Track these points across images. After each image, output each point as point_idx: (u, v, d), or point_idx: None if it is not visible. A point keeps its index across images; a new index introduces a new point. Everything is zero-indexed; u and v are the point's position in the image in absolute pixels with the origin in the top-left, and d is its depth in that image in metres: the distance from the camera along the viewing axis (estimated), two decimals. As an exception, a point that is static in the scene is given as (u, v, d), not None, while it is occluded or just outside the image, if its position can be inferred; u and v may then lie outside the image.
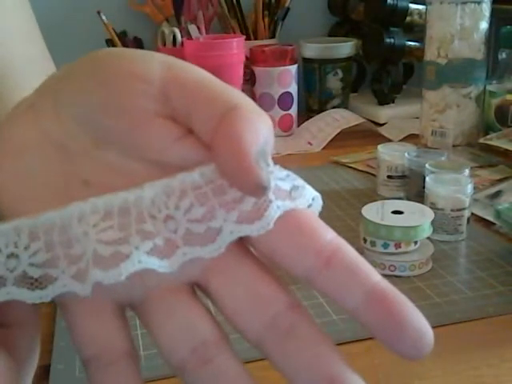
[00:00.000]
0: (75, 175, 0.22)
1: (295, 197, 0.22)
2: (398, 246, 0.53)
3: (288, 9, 1.06)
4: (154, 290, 0.22)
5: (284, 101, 0.96)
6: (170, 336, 0.22)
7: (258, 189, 0.20)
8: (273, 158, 0.22)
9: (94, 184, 0.22)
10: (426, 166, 0.63)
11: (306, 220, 0.22)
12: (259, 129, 0.21)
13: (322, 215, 0.23)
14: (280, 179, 0.22)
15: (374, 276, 0.21)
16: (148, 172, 0.22)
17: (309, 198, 0.23)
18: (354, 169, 0.81)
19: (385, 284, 0.20)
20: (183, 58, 0.92)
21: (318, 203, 0.23)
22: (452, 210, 0.59)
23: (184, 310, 0.22)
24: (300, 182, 0.23)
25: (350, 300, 0.20)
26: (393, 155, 0.70)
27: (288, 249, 0.21)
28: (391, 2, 0.95)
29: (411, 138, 0.91)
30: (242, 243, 0.22)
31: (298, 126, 0.99)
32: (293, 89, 0.96)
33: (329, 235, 0.22)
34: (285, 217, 0.21)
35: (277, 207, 0.21)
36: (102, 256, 0.21)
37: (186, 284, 0.23)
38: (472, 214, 0.62)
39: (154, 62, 0.22)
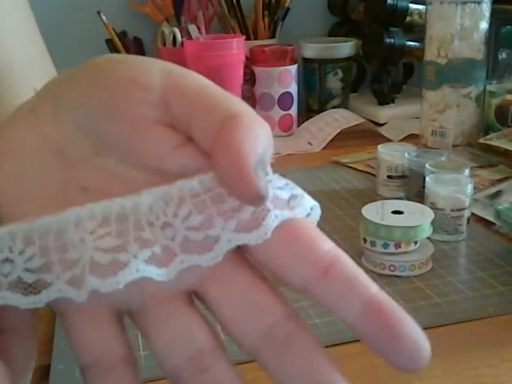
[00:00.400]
0: (74, 181, 0.22)
1: (293, 206, 0.22)
2: (398, 246, 0.53)
3: (288, 9, 1.06)
4: (151, 297, 0.22)
5: (284, 101, 0.96)
6: (166, 344, 0.22)
7: (256, 198, 0.20)
8: (272, 162, 0.22)
9: (93, 190, 0.22)
10: (426, 166, 0.63)
11: (304, 230, 0.22)
12: (258, 138, 0.21)
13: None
14: (279, 188, 0.22)
15: (372, 288, 0.21)
16: (147, 179, 0.22)
17: (307, 208, 0.22)
18: (354, 169, 0.81)
19: (382, 296, 0.20)
20: (183, 58, 0.92)
21: (317, 212, 0.23)
22: (452, 210, 0.59)
23: (181, 319, 0.22)
24: (299, 191, 0.23)
25: (347, 311, 0.20)
26: (393, 155, 0.70)
27: (285, 258, 0.21)
28: (391, 2, 0.95)
29: (411, 137, 0.91)
30: (240, 252, 0.22)
31: (298, 126, 0.99)
32: (293, 89, 0.96)
33: (327, 245, 0.21)
34: (283, 226, 0.21)
35: (275, 216, 0.21)
36: (99, 264, 0.21)
37: (183, 292, 0.23)
38: (472, 213, 0.62)
39: (155, 69, 0.22)
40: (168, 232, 0.22)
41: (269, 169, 0.21)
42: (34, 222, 0.21)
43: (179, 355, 0.22)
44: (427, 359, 0.20)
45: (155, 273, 0.21)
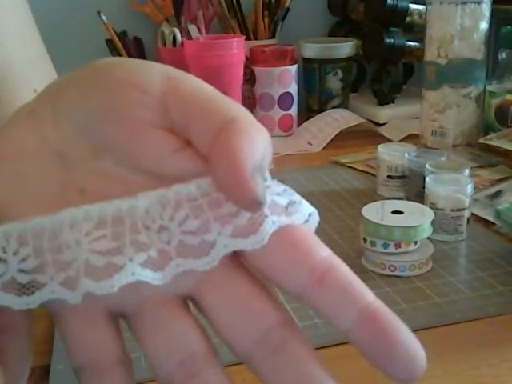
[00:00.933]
0: (72, 183, 0.22)
1: (291, 212, 0.22)
2: (398, 245, 0.53)
3: (288, 9, 1.06)
4: (146, 300, 0.22)
5: (284, 101, 0.96)
6: (160, 347, 0.22)
7: (254, 204, 0.20)
8: (271, 168, 0.22)
9: (91, 192, 0.22)
10: (426, 166, 0.63)
11: (301, 236, 0.22)
12: (256, 143, 0.21)
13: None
14: (277, 194, 0.22)
15: (368, 296, 0.20)
16: (145, 182, 0.22)
17: (305, 214, 0.22)
18: (354, 169, 0.81)
19: (378, 304, 0.20)
20: (183, 58, 0.92)
21: (315, 219, 0.23)
22: (452, 210, 0.59)
23: (176, 323, 0.22)
24: (297, 197, 0.22)
25: (342, 318, 0.20)
26: (393, 155, 0.70)
27: (282, 264, 0.21)
28: (391, 2, 0.95)
29: (411, 137, 0.91)
30: (236, 257, 0.22)
31: (298, 125, 0.99)
32: (293, 89, 0.96)
33: (323, 252, 0.21)
34: (280, 232, 0.21)
35: (272, 222, 0.21)
36: (94, 266, 0.21)
37: (178, 297, 0.23)
38: (472, 214, 0.62)
39: (154, 73, 0.22)
40: (164, 236, 0.21)
41: (267, 174, 0.21)
42: (27, 222, 0.21)
43: (172, 359, 0.22)
44: (423, 369, 0.19)
45: (151, 277, 0.21)
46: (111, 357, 0.23)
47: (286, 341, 0.21)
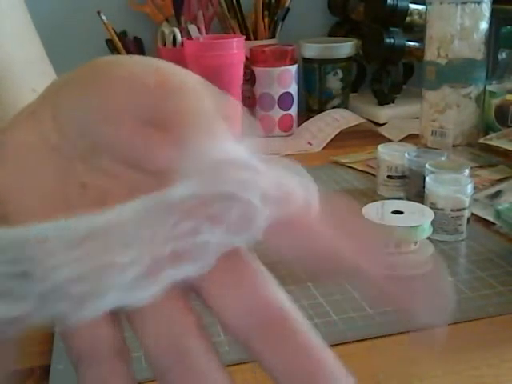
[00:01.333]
0: (73, 178, 0.23)
1: (285, 203, 0.22)
2: (398, 246, 0.53)
3: (288, 9, 1.06)
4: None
5: (284, 101, 0.96)
6: (160, 345, 0.22)
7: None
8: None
9: (91, 187, 0.22)
10: (426, 166, 0.63)
11: (309, 219, 0.22)
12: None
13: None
14: (269, 186, 0.22)
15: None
16: (145, 180, 0.22)
17: (300, 202, 0.22)
18: (354, 169, 0.81)
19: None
20: (183, 57, 0.92)
21: (314, 190, 0.23)
22: (452, 210, 0.59)
23: (176, 320, 0.22)
24: (290, 184, 0.22)
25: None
26: (393, 155, 0.70)
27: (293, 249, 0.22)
28: (391, 2, 0.95)
29: (411, 137, 0.91)
30: (237, 248, 0.22)
31: (298, 125, 0.99)
32: (293, 89, 0.96)
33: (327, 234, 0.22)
34: (275, 224, 0.21)
35: (266, 217, 0.21)
36: (72, 290, 0.20)
37: (179, 291, 0.23)
38: (472, 214, 0.62)
39: (153, 71, 0.22)
40: (156, 242, 0.21)
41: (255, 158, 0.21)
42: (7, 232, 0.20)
43: (173, 356, 0.22)
44: None
45: (139, 297, 0.21)
46: (110, 349, 0.23)
47: (290, 331, 0.21)
